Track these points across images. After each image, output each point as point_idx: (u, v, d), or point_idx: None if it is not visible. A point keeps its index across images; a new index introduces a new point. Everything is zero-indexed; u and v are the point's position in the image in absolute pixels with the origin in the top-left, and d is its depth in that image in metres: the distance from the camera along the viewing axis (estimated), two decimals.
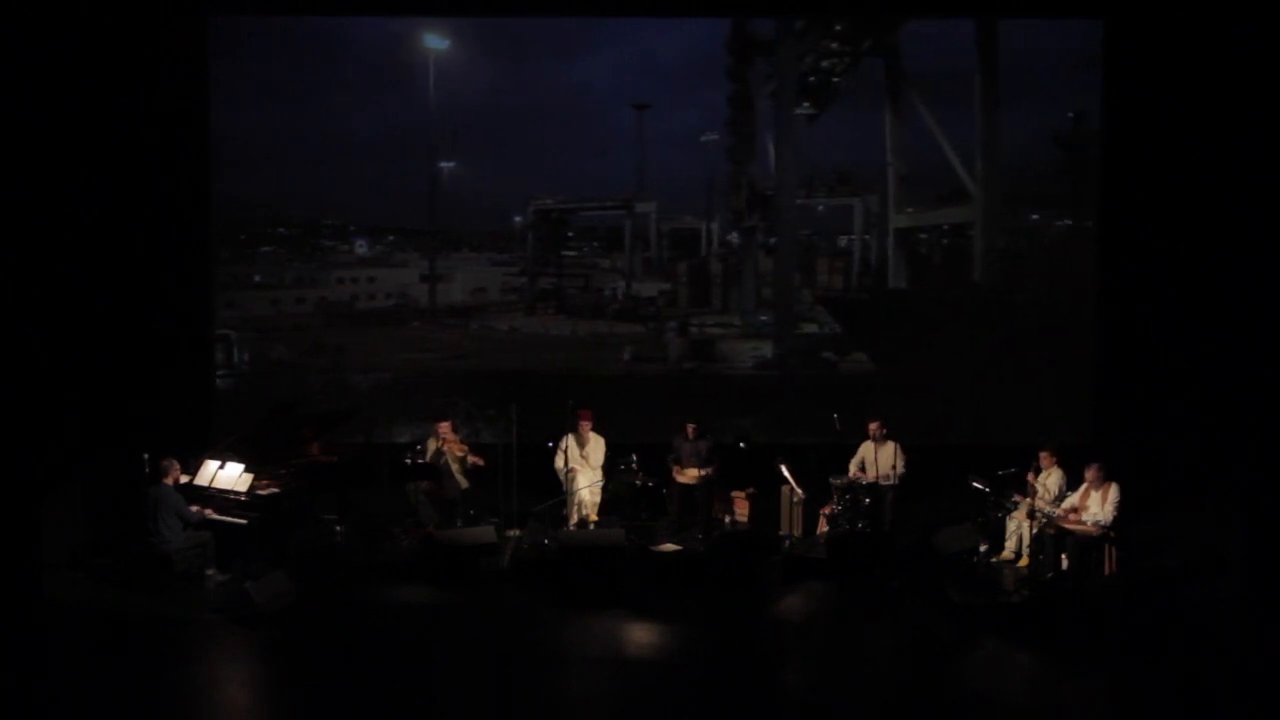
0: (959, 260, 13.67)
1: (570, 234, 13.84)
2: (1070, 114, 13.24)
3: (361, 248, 13.78)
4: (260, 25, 13.20)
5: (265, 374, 13.51)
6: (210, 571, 10.01)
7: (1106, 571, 10.10)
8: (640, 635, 9.21)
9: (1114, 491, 10.06)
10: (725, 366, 13.66)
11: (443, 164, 13.39)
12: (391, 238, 13.74)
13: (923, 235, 13.68)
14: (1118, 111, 12.87)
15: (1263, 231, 11.76)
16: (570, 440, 11.45)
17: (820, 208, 13.70)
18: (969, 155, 13.34)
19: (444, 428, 11.49)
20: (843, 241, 13.71)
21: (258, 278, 13.59)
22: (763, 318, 13.74)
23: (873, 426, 11.40)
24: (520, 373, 13.35)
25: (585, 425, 11.55)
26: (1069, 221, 13.49)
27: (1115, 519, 10.01)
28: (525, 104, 13.20)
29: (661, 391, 13.37)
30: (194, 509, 10.09)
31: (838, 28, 13.35)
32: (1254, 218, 11.83)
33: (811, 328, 13.68)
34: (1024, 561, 10.54)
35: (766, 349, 13.66)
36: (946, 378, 13.25)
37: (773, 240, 13.63)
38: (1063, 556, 10.09)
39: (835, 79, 13.44)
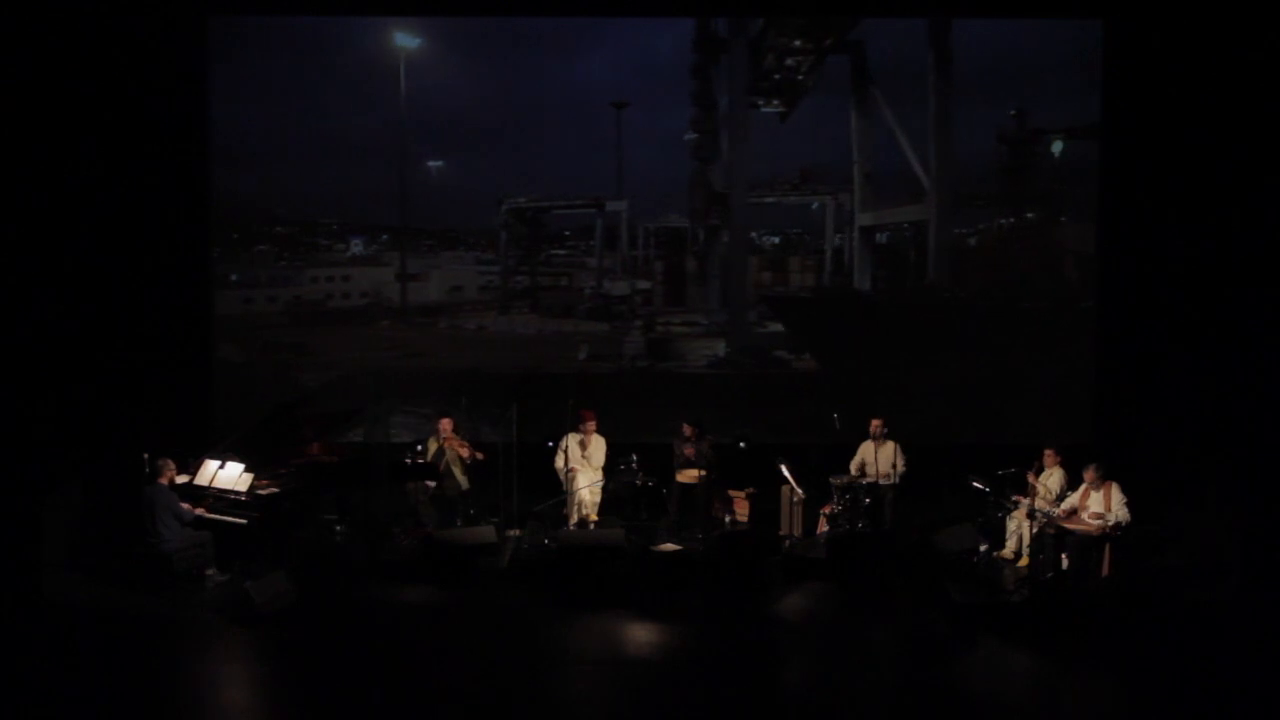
0: (925, 258, 13.71)
1: (567, 232, 13.85)
2: (1011, 111, 13.28)
3: (357, 247, 13.78)
4: (260, 25, 13.20)
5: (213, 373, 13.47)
6: (210, 571, 10.01)
7: (1105, 572, 10.10)
8: (640, 635, 9.21)
9: (1116, 490, 10.06)
10: (678, 365, 13.68)
11: (431, 163, 13.40)
12: (385, 236, 13.74)
13: (905, 233, 13.71)
14: (1118, 111, 12.87)
15: (1263, 231, 11.76)
16: (571, 440, 11.46)
17: (814, 205, 13.71)
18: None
19: (445, 426, 11.49)
20: (835, 239, 13.72)
21: (235, 276, 13.57)
22: (727, 316, 13.79)
23: (875, 424, 11.42)
24: (476, 371, 13.35)
25: (589, 425, 11.55)
26: (1012, 220, 13.57)
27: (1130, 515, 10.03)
28: (519, 103, 13.21)
29: (616, 390, 13.33)
30: (186, 507, 10.09)
31: (799, 25, 13.36)
32: (1254, 218, 11.83)
33: (777, 326, 13.69)
34: (1024, 561, 10.54)
35: (720, 348, 13.68)
36: (908, 377, 13.28)
37: (726, 237, 13.70)
38: (1063, 556, 10.09)
39: (800, 77, 13.46)
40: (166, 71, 12.63)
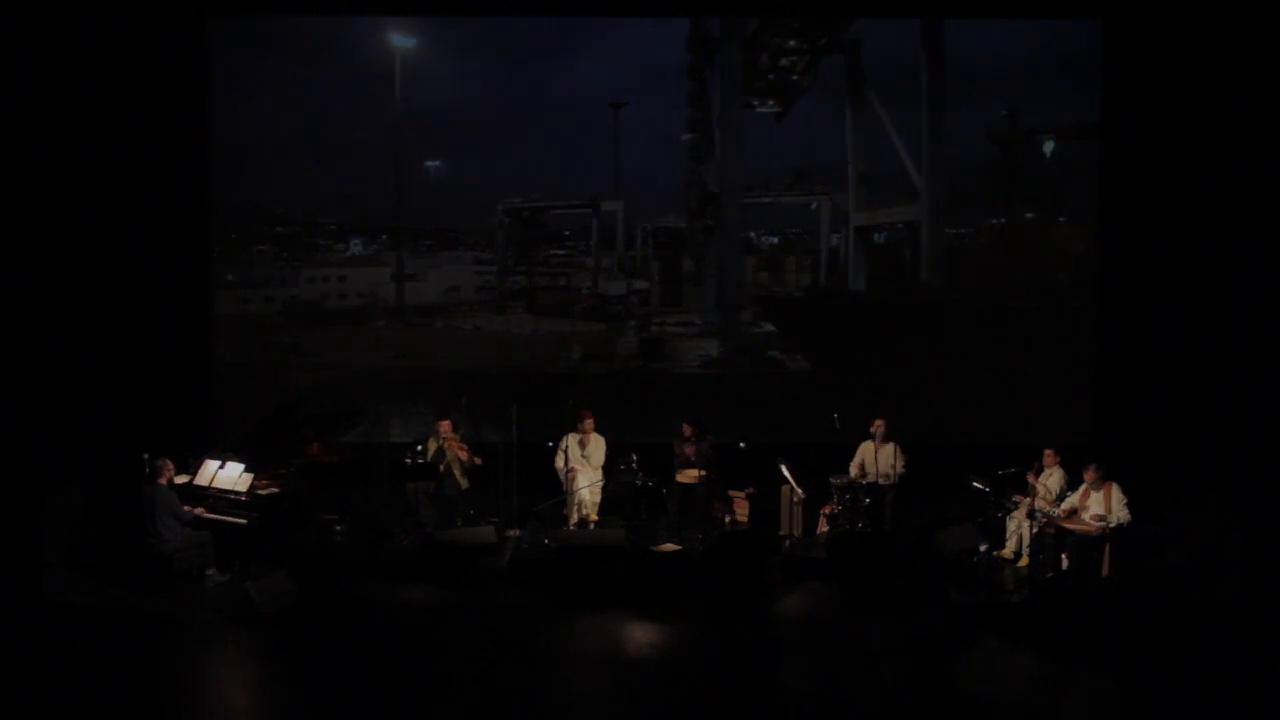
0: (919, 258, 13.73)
1: (567, 232, 13.86)
2: (1003, 111, 13.28)
3: (356, 247, 13.78)
4: (259, 25, 13.21)
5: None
6: (210, 571, 10.01)
7: (1105, 572, 10.11)
8: (640, 635, 9.22)
9: (1117, 490, 10.06)
10: (672, 365, 13.67)
11: (429, 163, 13.40)
12: (384, 237, 13.74)
13: (901, 233, 13.71)
14: (1118, 111, 12.87)
15: (1263, 231, 11.75)
16: (571, 440, 11.46)
17: (813, 205, 13.72)
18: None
19: (444, 427, 11.49)
20: (832, 239, 13.71)
21: (230, 276, 13.56)
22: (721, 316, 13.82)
23: (876, 425, 11.42)
24: (472, 371, 13.35)
25: (588, 425, 11.56)
26: (1003, 220, 13.58)
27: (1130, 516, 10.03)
28: (517, 103, 13.22)
29: (612, 390, 13.31)
30: (186, 508, 10.09)
31: (793, 25, 13.36)
32: (1254, 218, 11.82)
33: (769, 326, 13.69)
34: (1024, 561, 10.54)
35: (712, 347, 13.68)
36: (905, 377, 13.28)
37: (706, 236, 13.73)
38: (1063, 556, 10.09)
39: (794, 77, 13.47)
40: (166, 71, 12.63)
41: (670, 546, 10.90)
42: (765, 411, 13.16)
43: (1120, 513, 9.98)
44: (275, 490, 10.45)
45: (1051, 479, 10.61)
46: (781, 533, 11.41)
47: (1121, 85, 12.81)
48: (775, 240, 13.87)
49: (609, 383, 13.41)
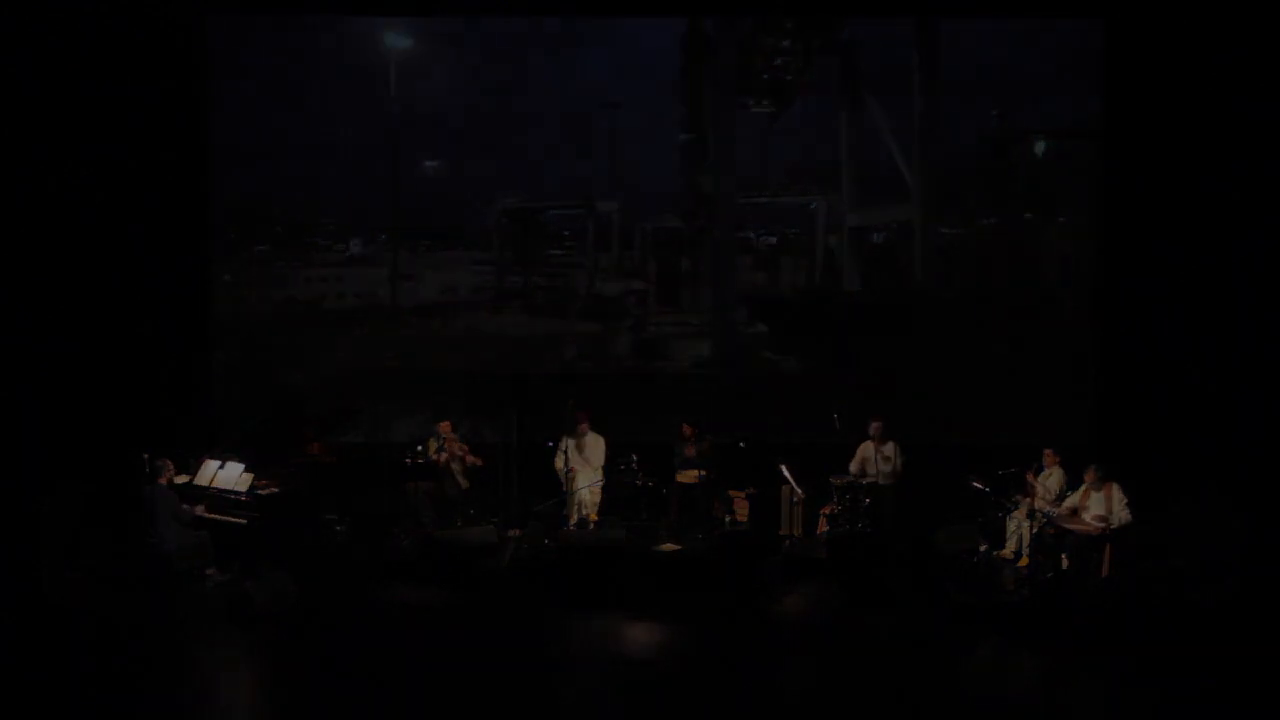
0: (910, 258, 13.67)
1: (566, 233, 13.84)
2: (994, 111, 13.27)
3: (356, 247, 13.76)
4: (259, 25, 13.19)
5: None
6: (210, 571, 10.01)
7: (1105, 572, 10.11)
8: (640, 635, 9.22)
9: (1118, 490, 10.07)
10: (665, 365, 13.60)
11: (428, 163, 13.38)
12: (384, 237, 13.72)
13: (895, 233, 13.71)
14: (1117, 111, 12.86)
15: (1263, 231, 11.77)
16: (569, 441, 11.46)
17: (811, 204, 13.70)
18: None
19: (444, 428, 11.50)
20: (829, 239, 13.70)
21: (228, 277, 13.55)
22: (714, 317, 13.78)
23: (875, 425, 11.42)
24: (469, 371, 13.26)
25: (583, 428, 11.56)
26: (994, 220, 13.51)
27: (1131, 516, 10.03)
28: (516, 104, 13.19)
29: (609, 391, 13.14)
30: (186, 508, 10.09)
31: (788, 25, 13.33)
32: (1254, 218, 11.84)
33: (762, 327, 13.68)
34: (1024, 561, 10.55)
35: (708, 348, 13.65)
36: (902, 377, 13.16)
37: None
38: (1063, 556, 10.10)
39: (789, 77, 13.45)
40: (166, 71, 12.62)
41: (670, 546, 10.91)
42: (763, 412, 13.14)
43: (1121, 513, 9.99)
44: (275, 490, 10.46)
45: (1051, 479, 10.62)
46: (781, 533, 11.41)
47: (1122, 84, 12.79)
48: (773, 240, 13.84)
49: (606, 383, 13.37)
